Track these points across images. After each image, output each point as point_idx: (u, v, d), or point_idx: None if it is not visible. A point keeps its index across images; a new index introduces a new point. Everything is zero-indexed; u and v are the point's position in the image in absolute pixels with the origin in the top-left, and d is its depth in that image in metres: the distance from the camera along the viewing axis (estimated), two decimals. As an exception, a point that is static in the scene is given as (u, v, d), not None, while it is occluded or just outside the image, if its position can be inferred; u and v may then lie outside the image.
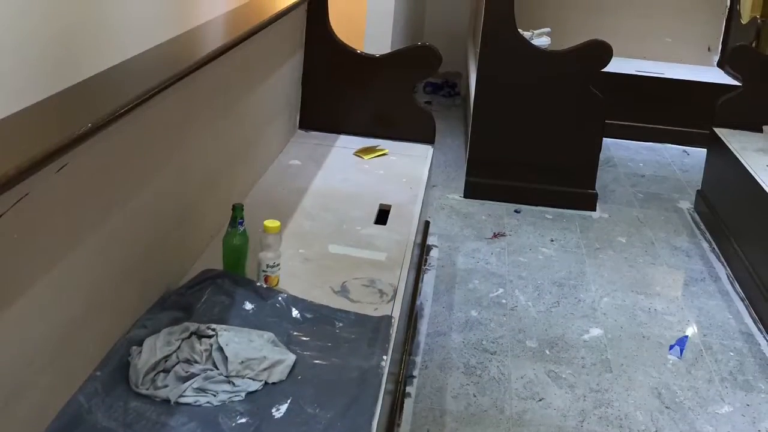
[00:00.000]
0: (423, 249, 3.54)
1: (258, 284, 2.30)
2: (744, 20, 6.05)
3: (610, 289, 3.66)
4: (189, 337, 2.01)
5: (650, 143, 5.70)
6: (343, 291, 2.38)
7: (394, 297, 2.36)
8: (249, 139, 2.98)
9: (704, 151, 4.68)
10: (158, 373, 1.88)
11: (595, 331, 3.31)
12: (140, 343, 1.94)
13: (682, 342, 3.26)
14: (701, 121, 5.43)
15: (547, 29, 5.70)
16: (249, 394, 1.87)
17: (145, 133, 2.00)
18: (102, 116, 1.62)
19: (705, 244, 4.17)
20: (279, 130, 3.40)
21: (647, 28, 6.26)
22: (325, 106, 3.65)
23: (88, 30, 2.68)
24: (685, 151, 5.61)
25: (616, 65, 4.81)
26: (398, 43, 4.92)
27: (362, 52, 3.65)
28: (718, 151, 4.30)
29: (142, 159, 2.02)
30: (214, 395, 1.85)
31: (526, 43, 4.43)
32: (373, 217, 2.89)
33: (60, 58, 2.50)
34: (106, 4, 2.81)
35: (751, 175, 3.76)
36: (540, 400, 2.88)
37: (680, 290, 3.73)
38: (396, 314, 2.28)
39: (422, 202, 3.09)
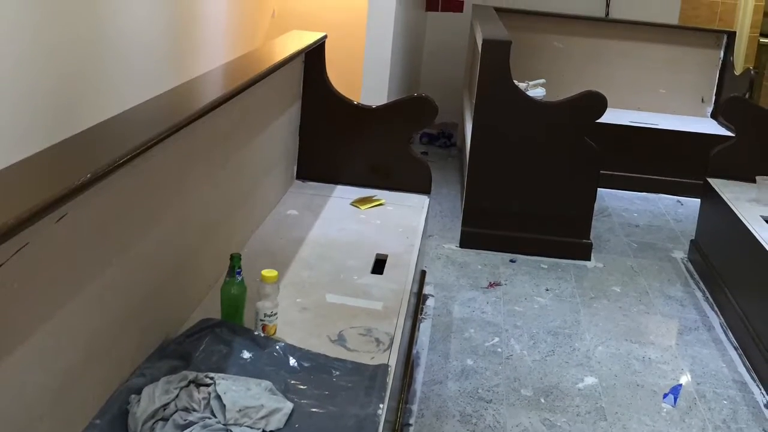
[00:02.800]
0: (419, 298, 3.57)
1: (256, 333, 2.33)
2: (737, 71, 6.16)
3: (605, 337, 3.67)
4: (187, 385, 2.03)
5: (645, 193, 5.75)
6: (340, 340, 2.40)
7: (390, 346, 2.39)
8: (247, 189, 3.02)
9: (698, 201, 4.73)
10: (157, 421, 1.89)
11: (590, 380, 3.32)
12: (139, 392, 1.96)
13: (676, 390, 3.28)
14: (695, 172, 5.49)
15: (542, 80, 5.79)
16: (247, 442, 1.89)
17: (143, 183, 2.04)
18: (101, 167, 1.66)
19: (699, 294, 4.20)
20: (276, 180, 3.45)
21: (641, 79, 6.35)
22: (322, 157, 3.71)
23: (88, 80, 2.75)
24: (679, 201, 5.66)
25: (611, 116, 4.87)
26: (395, 94, 4.99)
27: (359, 103, 3.71)
28: (712, 202, 4.35)
29: (140, 209, 2.06)
30: (212, 443, 1.87)
31: (521, 94, 4.49)
32: (370, 267, 2.93)
33: (60, 108, 2.56)
34: (106, 56, 2.88)
35: (744, 225, 3.80)
36: (536, 449, 2.88)
37: (674, 339, 3.75)
38: (392, 363, 2.30)
39: (418, 252, 3.12)
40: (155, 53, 3.27)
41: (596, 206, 4.58)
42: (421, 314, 3.65)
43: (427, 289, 3.93)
